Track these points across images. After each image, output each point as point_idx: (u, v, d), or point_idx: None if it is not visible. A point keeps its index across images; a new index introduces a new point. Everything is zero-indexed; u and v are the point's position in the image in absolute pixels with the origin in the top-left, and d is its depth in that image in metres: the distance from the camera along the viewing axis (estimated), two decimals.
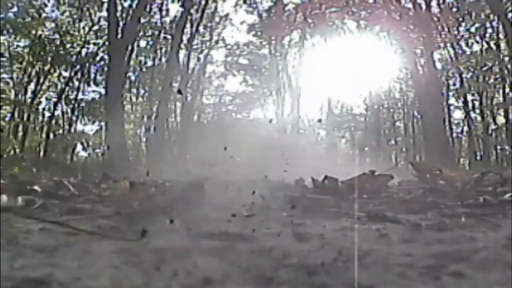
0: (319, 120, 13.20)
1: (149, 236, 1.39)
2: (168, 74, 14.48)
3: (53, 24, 16.25)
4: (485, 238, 1.44)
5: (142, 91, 15.20)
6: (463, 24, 15.40)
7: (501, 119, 14.29)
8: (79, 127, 16.12)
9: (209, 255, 1.16)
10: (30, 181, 3.64)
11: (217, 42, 15.19)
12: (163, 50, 15.05)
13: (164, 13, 15.73)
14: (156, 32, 15.44)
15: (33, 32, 15.91)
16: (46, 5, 16.36)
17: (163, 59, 14.81)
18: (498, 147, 14.03)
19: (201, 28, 15.06)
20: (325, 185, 3.45)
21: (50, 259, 1.08)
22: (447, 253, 1.18)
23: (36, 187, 3.00)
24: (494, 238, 1.44)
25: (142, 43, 15.43)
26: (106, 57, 15.68)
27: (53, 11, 16.37)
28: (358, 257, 1.10)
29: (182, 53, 14.73)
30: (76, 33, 16.31)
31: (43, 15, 16.29)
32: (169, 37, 15.16)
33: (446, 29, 15.14)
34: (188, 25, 14.91)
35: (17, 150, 15.52)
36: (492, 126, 14.16)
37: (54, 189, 3.12)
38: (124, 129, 14.39)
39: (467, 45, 15.04)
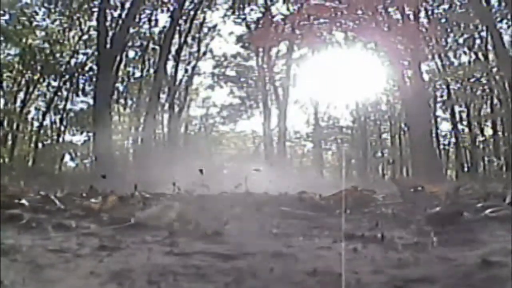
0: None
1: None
2: (156, 85, 14.68)
3: (43, 33, 16.45)
4: (456, 258, 1.46)
5: (130, 102, 15.39)
6: (451, 35, 15.65)
7: (488, 131, 14.49)
8: (67, 137, 16.30)
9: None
10: (18, 194, 3.75)
11: (205, 53, 15.43)
12: (151, 61, 15.24)
13: (153, 23, 15.95)
14: (145, 43, 15.66)
15: (24, 40, 16.10)
16: (37, 13, 16.56)
17: (151, 70, 15.00)
18: (486, 159, 14.22)
19: (189, 39, 15.27)
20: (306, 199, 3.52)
21: None
22: (413, 275, 1.25)
23: (24, 201, 3.12)
24: (467, 258, 1.45)
25: (131, 54, 15.65)
26: (94, 67, 15.90)
27: (44, 19, 16.56)
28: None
29: (170, 64, 14.94)
30: (66, 42, 16.50)
31: (34, 23, 16.48)
32: (157, 47, 15.38)
33: (434, 40, 15.39)
34: (176, 36, 15.13)
35: (6, 159, 15.64)
36: (480, 138, 14.35)
37: (41, 203, 3.25)
38: (112, 140, 14.53)
39: (455, 56, 15.28)
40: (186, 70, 15.03)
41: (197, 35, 15.38)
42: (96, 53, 15.51)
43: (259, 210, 3.35)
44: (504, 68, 13.45)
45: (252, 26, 15.29)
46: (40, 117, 16.50)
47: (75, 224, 2.31)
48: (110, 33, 15.02)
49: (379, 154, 14.19)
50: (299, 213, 3.38)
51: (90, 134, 15.89)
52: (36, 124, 16.65)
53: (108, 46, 14.75)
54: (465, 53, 15.34)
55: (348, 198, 3.30)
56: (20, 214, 2.41)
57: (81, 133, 16.08)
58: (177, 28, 15.17)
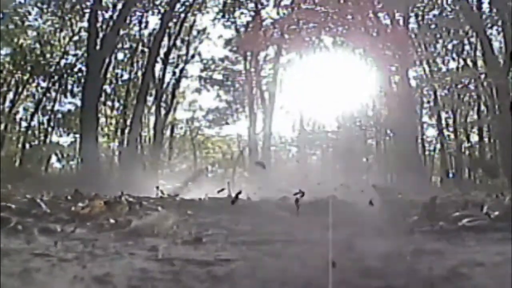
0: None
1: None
2: (143, 87, 14.84)
3: (35, 33, 16.59)
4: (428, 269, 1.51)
5: (117, 104, 15.55)
6: (441, 41, 15.84)
7: (474, 137, 14.68)
8: (54, 138, 16.42)
9: None
10: (5, 198, 3.82)
11: (193, 56, 15.60)
12: (139, 63, 15.42)
13: (143, 25, 16.11)
14: (134, 45, 15.83)
15: (16, 40, 16.23)
16: (30, 13, 16.68)
17: (139, 73, 15.17)
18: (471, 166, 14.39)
19: (178, 42, 15.45)
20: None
21: None
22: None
23: (11, 205, 3.22)
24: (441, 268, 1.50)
25: (120, 56, 15.81)
26: (83, 68, 16.07)
27: (36, 19, 16.69)
28: None
29: (158, 67, 15.12)
30: (57, 43, 16.64)
31: (26, 23, 16.61)
32: (146, 50, 15.55)
33: (423, 46, 15.60)
34: (165, 39, 15.30)
35: None
36: (465, 144, 14.54)
37: (28, 207, 3.36)
38: (98, 142, 14.64)
39: (443, 62, 15.48)
40: (173, 73, 15.22)
41: (186, 38, 15.56)
42: (85, 54, 15.70)
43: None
44: (493, 74, 13.66)
45: (242, 30, 15.49)
46: (28, 117, 16.60)
47: (60, 229, 2.44)
48: (101, 35, 15.20)
49: (364, 159, 14.37)
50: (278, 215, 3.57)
51: (77, 135, 16.06)
52: (24, 124, 16.75)
53: (98, 47, 14.93)
54: (453, 59, 15.53)
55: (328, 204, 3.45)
56: (8, 218, 2.53)
57: (68, 134, 16.23)
58: (167, 30, 15.34)
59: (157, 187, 7.54)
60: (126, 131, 14.52)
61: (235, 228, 2.73)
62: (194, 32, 15.58)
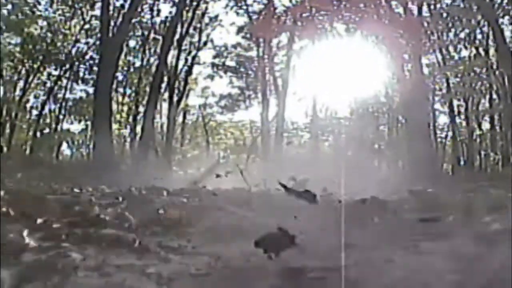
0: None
1: None
2: (158, 74, 14.94)
3: (45, 23, 16.71)
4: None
5: (129, 91, 15.70)
6: (453, 29, 15.89)
7: (486, 125, 14.76)
8: (65, 125, 16.59)
9: None
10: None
11: (205, 43, 15.72)
12: (151, 50, 15.55)
13: (155, 13, 16.23)
14: (146, 32, 15.96)
15: (26, 30, 16.37)
16: (39, 3, 16.80)
17: (151, 60, 15.29)
18: (482, 153, 14.49)
19: (190, 29, 15.56)
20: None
21: None
22: None
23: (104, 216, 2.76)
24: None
25: (131, 43, 15.93)
26: (94, 56, 16.22)
27: (46, 9, 16.81)
28: None
29: (170, 54, 15.25)
30: (68, 32, 16.77)
31: (37, 13, 16.74)
32: (158, 37, 15.69)
33: (435, 35, 15.64)
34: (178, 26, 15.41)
35: (4, 149, 15.89)
36: (477, 132, 14.63)
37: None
38: (112, 129, 14.76)
39: (455, 50, 15.53)
40: (186, 60, 15.35)
41: (198, 25, 15.68)
42: (97, 42, 15.85)
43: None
44: (504, 63, 13.73)
45: (254, 17, 15.59)
46: (40, 105, 16.76)
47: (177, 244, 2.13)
48: (112, 23, 15.30)
49: (376, 146, 14.47)
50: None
51: (88, 122, 16.25)
52: (34, 112, 16.91)
53: (110, 35, 15.03)
54: (465, 47, 15.58)
55: None
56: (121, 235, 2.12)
57: (79, 121, 16.40)
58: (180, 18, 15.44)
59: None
60: (138, 117, 14.65)
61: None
62: (206, 19, 15.70)
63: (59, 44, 16.75)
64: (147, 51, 15.75)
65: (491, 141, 14.20)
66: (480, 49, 15.57)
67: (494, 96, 14.93)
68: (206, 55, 16.04)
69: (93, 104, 14.99)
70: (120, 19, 15.27)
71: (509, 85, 14.02)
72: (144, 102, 14.94)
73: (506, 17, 15.52)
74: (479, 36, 15.78)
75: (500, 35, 14.30)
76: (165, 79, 15.07)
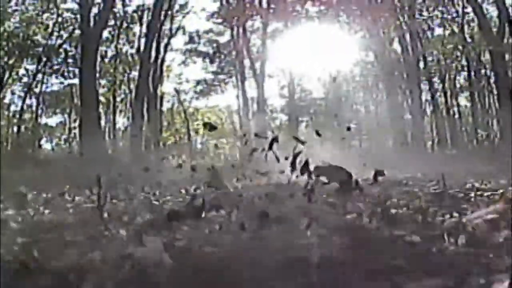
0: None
1: None
2: (144, 64, 14.84)
3: (18, 18, 16.60)
4: None
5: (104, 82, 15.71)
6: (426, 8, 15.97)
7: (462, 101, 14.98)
8: (44, 119, 16.58)
9: None
10: None
11: (178, 29, 15.72)
12: (124, 39, 15.55)
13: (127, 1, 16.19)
14: (119, 22, 15.94)
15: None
16: None
17: (124, 49, 15.28)
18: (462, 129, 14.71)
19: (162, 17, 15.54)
20: None
21: None
22: None
23: None
24: None
25: (104, 33, 15.87)
26: (69, 48, 16.21)
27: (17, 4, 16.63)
28: None
29: (142, 41, 15.26)
30: (42, 25, 16.68)
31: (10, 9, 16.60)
32: (131, 26, 15.69)
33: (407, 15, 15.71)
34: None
35: None
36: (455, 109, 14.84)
37: None
38: (100, 121, 14.64)
39: (429, 28, 15.66)
40: (157, 47, 15.33)
41: (169, 12, 15.67)
42: (73, 35, 15.85)
43: None
44: (488, 40, 13.90)
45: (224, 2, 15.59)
46: (17, 101, 16.68)
47: None
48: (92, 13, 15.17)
49: (352, 125, 14.56)
50: None
51: (65, 115, 16.26)
52: (13, 108, 16.84)
53: (91, 25, 14.91)
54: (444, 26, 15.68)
55: None
56: None
57: (56, 114, 16.39)
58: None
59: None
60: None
61: None
62: (177, 6, 15.69)
63: (34, 38, 16.66)
64: (120, 41, 15.73)
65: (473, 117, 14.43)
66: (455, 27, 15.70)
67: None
68: (178, 41, 16.10)
69: (79, 96, 14.84)
70: (99, 8, 15.16)
71: (492, 62, 14.24)
72: (120, 92, 14.97)
73: None
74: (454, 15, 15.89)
75: (480, 10, 14.49)
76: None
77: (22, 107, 16.45)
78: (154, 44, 14.99)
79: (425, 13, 15.70)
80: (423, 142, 14.55)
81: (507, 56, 13.87)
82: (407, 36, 14.99)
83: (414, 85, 14.64)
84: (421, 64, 15.16)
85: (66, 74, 16.45)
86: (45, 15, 16.63)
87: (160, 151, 13.90)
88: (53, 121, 16.57)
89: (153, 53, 15.04)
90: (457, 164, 8.62)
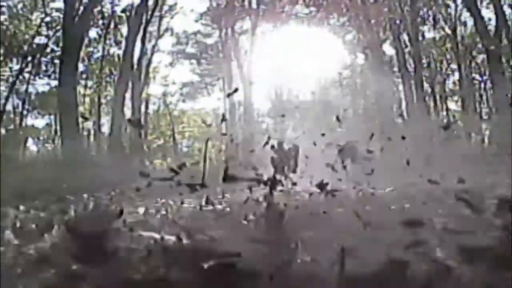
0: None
1: None
2: (126, 65, 14.68)
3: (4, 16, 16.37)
4: None
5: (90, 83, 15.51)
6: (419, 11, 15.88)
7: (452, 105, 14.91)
8: (29, 121, 16.35)
9: None
10: None
11: (166, 30, 15.56)
12: (111, 40, 15.37)
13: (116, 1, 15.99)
14: (106, 22, 15.74)
15: None
16: None
17: (112, 50, 15.12)
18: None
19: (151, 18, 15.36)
20: None
21: None
22: None
23: None
24: None
25: (91, 34, 15.71)
26: (55, 48, 15.97)
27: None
28: None
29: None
30: (28, 24, 16.46)
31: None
32: (119, 26, 15.50)
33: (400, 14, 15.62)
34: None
35: None
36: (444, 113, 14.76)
37: None
38: (79, 123, 14.50)
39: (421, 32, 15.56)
40: (142, 48, 15.15)
41: (157, 14, 15.51)
42: (58, 35, 15.61)
43: None
44: (485, 41, 13.81)
45: (215, 3, 15.42)
46: (3, 101, 16.42)
47: None
48: (75, 13, 14.99)
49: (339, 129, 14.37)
50: None
51: (52, 117, 16.01)
52: None
53: (73, 25, 14.75)
54: (435, 28, 15.59)
55: None
56: None
57: (43, 116, 16.15)
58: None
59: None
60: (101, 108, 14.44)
61: None
62: (165, 7, 15.52)
63: (19, 37, 16.42)
64: (107, 41, 15.53)
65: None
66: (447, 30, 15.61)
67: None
68: (165, 43, 15.97)
69: (57, 97, 14.68)
70: (82, 8, 15.00)
71: (489, 63, 14.18)
72: (106, 93, 14.78)
73: None
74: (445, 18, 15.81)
75: (478, 14, 14.41)
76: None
77: (4, 108, 16.19)
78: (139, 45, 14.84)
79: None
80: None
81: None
82: (401, 37, 14.92)
83: (407, 87, 14.56)
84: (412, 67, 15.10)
85: (51, 74, 16.25)
86: (35, 14, 16.44)
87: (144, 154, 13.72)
88: (39, 122, 16.34)
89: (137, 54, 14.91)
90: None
